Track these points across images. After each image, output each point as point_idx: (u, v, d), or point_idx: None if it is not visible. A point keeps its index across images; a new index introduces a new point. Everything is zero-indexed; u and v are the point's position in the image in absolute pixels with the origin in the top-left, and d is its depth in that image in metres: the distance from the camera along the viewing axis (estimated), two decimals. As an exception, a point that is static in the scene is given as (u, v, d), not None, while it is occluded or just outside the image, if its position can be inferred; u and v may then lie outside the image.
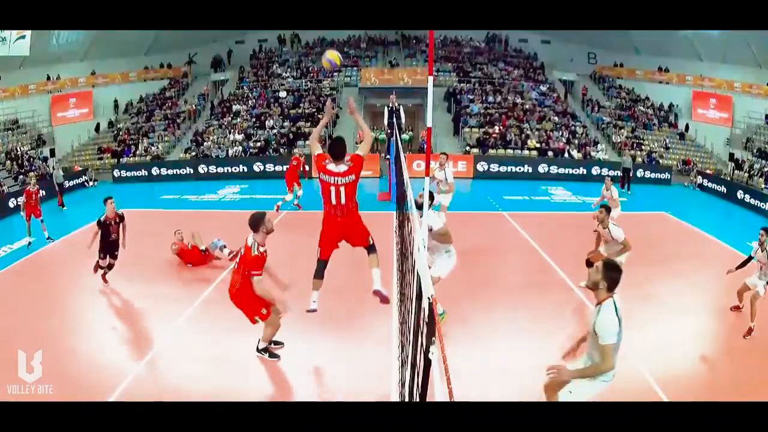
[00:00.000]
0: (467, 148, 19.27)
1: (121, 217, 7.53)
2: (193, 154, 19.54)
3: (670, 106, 22.91)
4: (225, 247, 8.38)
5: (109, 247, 7.44)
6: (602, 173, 17.46)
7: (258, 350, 5.35)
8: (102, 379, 5.02)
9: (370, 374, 5.07)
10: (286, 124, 20.66)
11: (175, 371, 5.24)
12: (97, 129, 22.46)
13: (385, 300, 4.74)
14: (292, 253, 7.48)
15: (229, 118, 21.23)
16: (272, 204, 12.71)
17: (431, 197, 8.67)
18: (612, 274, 3.34)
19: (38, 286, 7.91)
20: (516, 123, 20.60)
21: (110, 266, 7.58)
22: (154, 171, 18.57)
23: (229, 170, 18.45)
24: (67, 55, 22.31)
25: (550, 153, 19.10)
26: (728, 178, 17.80)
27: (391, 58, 24.54)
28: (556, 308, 6.70)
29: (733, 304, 6.74)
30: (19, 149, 18.92)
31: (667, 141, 20.90)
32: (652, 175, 18.03)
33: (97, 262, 7.51)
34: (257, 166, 18.36)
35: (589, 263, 7.33)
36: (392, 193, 12.11)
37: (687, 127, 22.01)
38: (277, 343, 5.49)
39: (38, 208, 10.25)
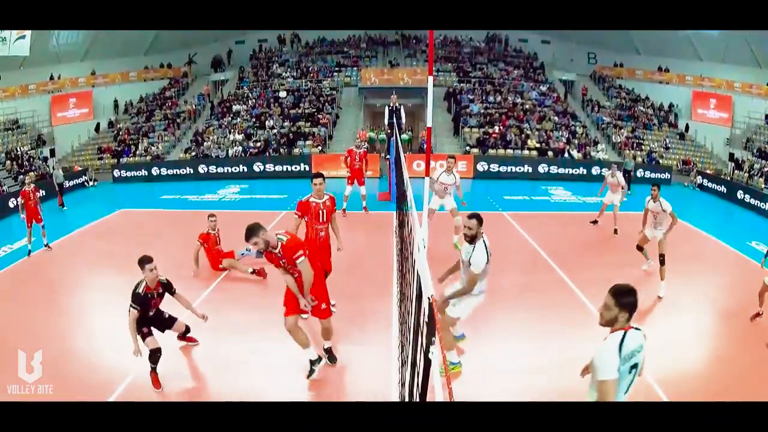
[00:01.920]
0: (467, 148, 19.27)
1: (167, 287, 5.17)
2: (193, 154, 19.54)
3: (670, 106, 22.91)
4: (249, 251, 8.26)
5: (153, 322, 5.14)
6: (602, 173, 17.47)
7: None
8: (102, 379, 5.02)
9: (370, 374, 5.07)
10: (286, 124, 20.66)
11: (174, 371, 5.23)
12: (97, 129, 22.46)
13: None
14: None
15: (229, 118, 21.23)
16: (271, 204, 12.70)
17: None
18: (627, 299, 2.79)
19: (38, 286, 7.90)
20: (516, 123, 20.61)
21: (186, 332, 5.56)
22: (154, 171, 18.58)
23: (229, 170, 18.46)
24: (67, 55, 22.32)
25: (550, 153, 19.10)
26: (728, 178, 17.80)
27: (391, 58, 24.55)
28: (556, 308, 6.69)
29: (753, 312, 6.32)
30: (19, 149, 18.93)
31: (667, 141, 20.90)
32: (652, 175, 18.02)
33: (153, 354, 4.93)
34: (257, 166, 18.37)
35: (640, 248, 7.90)
36: (392, 193, 12.10)
37: (687, 127, 22.01)
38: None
39: (39, 212, 9.61)
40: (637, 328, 2.86)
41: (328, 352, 5.27)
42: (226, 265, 8.01)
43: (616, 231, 10.30)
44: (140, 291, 4.92)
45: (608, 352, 2.75)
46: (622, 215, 10.43)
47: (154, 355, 4.92)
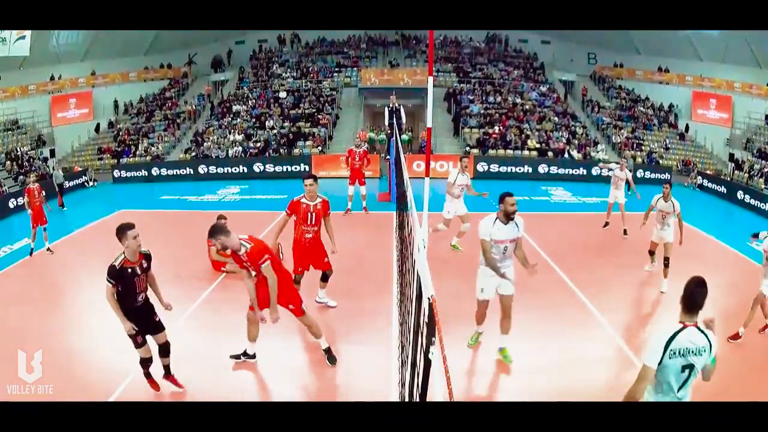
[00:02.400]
0: (467, 148, 19.28)
1: (148, 258, 4.47)
2: (193, 154, 19.55)
3: (670, 106, 22.91)
4: None
5: (138, 317, 4.43)
6: (602, 174, 17.46)
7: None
8: (102, 379, 5.01)
9: (370, 374, 5.07)
10: (286, 124, 20.66)
11: (175, 371, 5.23)
12: (97, 129, 22.47)
13: None
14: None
15: (229, 119, 21.24)
16: (271, 205, 12.70)
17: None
18: (686, 289, 2.78)
19: (38, 286, 7.91)
20: (516, 123, 20.61)
21: (165, 349, 4.72)
22: (154, 171, 18.60)
23: (229, 170, 18.46)
24: (67, 55, 22.33)
25: (550, 153, 19.11)
26: (728, 179, 17.81)
27: (391, 58, 24.54)
28: (556, 308, 6.69)
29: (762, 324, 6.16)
30: (19, 149, 18.93)
31: (667, 141, 20.90)
32: (652, 176, 18.04)
33: (144, 361, 4.61)
34: (257, 167, 18.38)
35: (651, 252, 7.84)
36: (392, 194, 12.11)
37: (687, 128, 22.01)
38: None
39: (43, 213, 9.48)
40: (701, 330, 2.77)
41: (327, 352, 5.26)
42: (229, 269, 8.01)
43: (625, 232, 10.08)
44: (116, 264, 4.21)
45: (656, 338, 2.74)
46: (626, 216, 10.40)
47: (146, 363, 4.58)
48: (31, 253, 9.29)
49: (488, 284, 5.17)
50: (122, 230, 4.22)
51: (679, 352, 2.70)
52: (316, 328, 5.21)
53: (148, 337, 4.59)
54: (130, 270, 4.26)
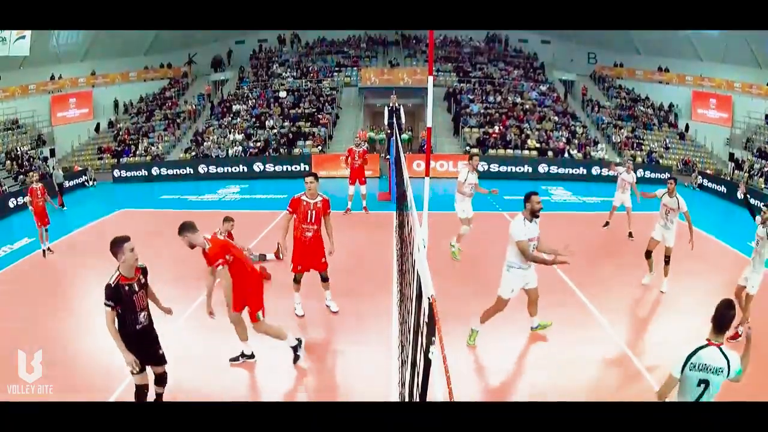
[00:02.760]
0: (467, 148, 19.27)
1: (145, 273, 4.11)
2: (193, 154, 19.54)
3: (670, 106, 22.91)
4: (264, 256, 8.27)
5: (140, 343, 3.99)
6: (602, 173, 17.49)
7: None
8: (102, 379, 5.02)
9: (370, 374, 5.07)
10: (286, 124, 20.66)
11: (175, 372, 5.23)
12: (97, 129, 22.47)
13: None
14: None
15: (229, 118, 21.24)
16: (271, 204, 12.69)
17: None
18: (716, 311, 3.01)
19: (39, 286, 7.90)
20: (516, 123, 20.61)
21: (161, 379, 4.32)
22: (154, 171, 18.60)
23: (229, 170, 18.47)
24: (67, 55, 22.33)
25: (550, 153, 19.10)
26: (728, 178, 17.80)
27: (391, 58, 24.54)
28: (556, 308, 6.69)
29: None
30: (19, 149, 18.93)
31: (667, 141, 20.90)
32: (652, 175, 18.04)
33: (139, 390, 4.12)
34: (257, 166, 18.38)
35: (648, 254, 7.66)
36: (392, 193, 12.11)
37: (687, 127, 22.01)
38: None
39: (46, 213, 9.51)
40: (723, 352, 2.98)
41: (294, 350, 5.25)
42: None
43: (630, 234, 10.03)
44: (112, 282, 3.78)
45: (682, 351, 3.00)
46: (622, 215, 10.40)
47: (141, 392, 4.07)
48: (44, 253, 9.33)
49: (518, 285, 5.39)
50: (117, 243, 3.79)
51: (698, 367, 2.95)
52: (275, 332, 5.15)
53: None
54: (127, 287, 3.86)
